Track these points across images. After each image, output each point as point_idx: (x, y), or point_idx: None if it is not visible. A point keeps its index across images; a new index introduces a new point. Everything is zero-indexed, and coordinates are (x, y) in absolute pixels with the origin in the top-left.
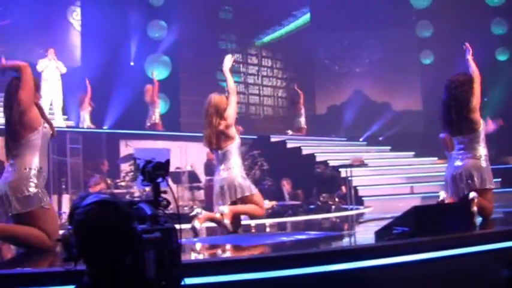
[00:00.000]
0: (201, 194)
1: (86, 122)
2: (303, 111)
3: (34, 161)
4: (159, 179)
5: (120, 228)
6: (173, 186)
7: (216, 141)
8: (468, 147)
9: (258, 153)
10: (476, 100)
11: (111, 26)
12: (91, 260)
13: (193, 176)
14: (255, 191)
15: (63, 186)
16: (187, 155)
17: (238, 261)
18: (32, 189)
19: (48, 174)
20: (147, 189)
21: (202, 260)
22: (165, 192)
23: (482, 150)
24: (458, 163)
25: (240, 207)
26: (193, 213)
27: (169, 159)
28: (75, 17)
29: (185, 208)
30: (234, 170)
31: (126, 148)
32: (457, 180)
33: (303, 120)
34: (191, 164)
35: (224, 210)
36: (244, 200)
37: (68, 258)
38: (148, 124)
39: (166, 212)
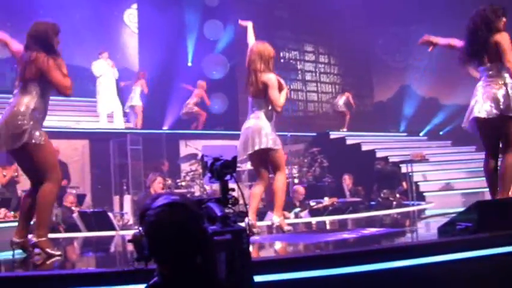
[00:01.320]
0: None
1: (135, 99)
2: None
3: (30, 103)
4: (227, 177)
5: (190, 229)
6: (233, 185)
7: (256, 87)
8: None
9: (318, 150)
10: None
11: (168, 27)
12: (162, 261)
13: (253, 175)
14: (279, 147)
15: (125, 187)
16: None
17: (304, 259)
18: (24, 127)
19: (110, 176)
20: (207, 188)
21: (268, 257)
22: (232, 189)
23: None
24: None
25: (279, 202)
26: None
27: (236, 155)
28: (132, 19)
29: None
30: (262, 120)
31: (185, 148)
32: None
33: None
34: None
35: (275, 220)
36: (266, 153)
37: (140, 258)
38: (184, 111)
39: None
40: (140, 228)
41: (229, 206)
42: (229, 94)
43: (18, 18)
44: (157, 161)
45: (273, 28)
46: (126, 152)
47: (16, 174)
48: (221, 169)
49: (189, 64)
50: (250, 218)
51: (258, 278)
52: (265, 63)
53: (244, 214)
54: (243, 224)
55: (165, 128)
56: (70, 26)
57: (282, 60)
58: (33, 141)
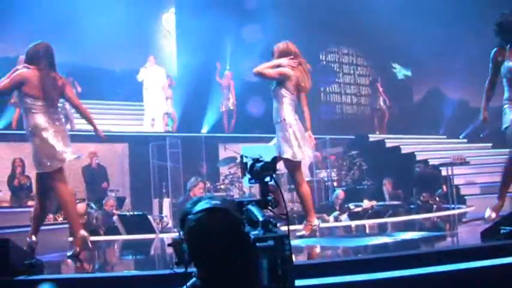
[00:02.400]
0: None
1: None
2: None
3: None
4: (267, 178)
5: (231, 235)
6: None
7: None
8: None
9: (356, 153)
10: None
11: (206, 31)
12: (202, 265)
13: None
14: None
15: (164, 190)
16: None
17: (343, 263)
18: None
19: (150, 179)
20: (246, 191)
21: (308, 262)
22: (272, 191)
23: None
24: None
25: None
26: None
27: (276, 156)
28: (170, 23)
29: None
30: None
31: (224, 151)
32: None
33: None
34: None
35: (315, 222)
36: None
37: (179, 262)
38: (223, 109)
39: (274, 212)
40: (180, 233)
41: (269, 208)
42: (268, 97)
43: (62, 25)
44: (196, 164)
45: (311, 31)
46: (165, 155)
47: None
48: (261, 170)
49: (228, 67)
50: None
51: (297, 283)
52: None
53: (285, 217)
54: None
55: (203, 131)
56: (110, 32)
57: (320, 63)
58: None
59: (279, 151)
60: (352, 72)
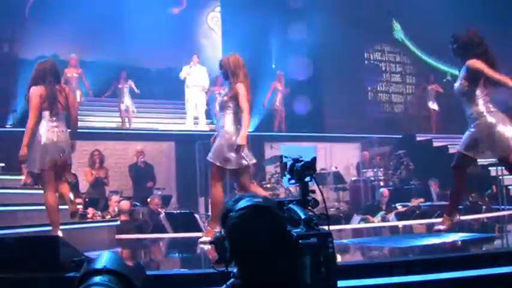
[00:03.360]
0: (346, 195)
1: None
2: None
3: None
4: (308, 178)
5: (274, 232)
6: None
7: None
8: None
9: (403, 152)
10: None
11: (251, 29)
12: (243, 263)
13: (338, 177)
14: None
15: (210, 189)
16: (331, 156)
17: (389, 264)
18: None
19: (196, 177)
20: (292, 190)
21: (353, 262)
22: (313, 191)
23: None
24: None
25: None
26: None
27: (315, 156)
28: (216, 22)
29: (331, 209)
30: None
31: (270, 150)
32: None
33: None
34: (335, 165)
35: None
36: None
37: (221, 260)
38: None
39: (315, 212)
40: (222, 230)
41: (309, 208)
42: (314, 96)
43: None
44: None
45: (356, 29)
46: None
47: (105, 176)
48: (302, 170)
49: (273, 66)
50: None
51: (341, 283)
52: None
53: (326, 216)
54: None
55: (249, 130)
56: (157, 32)
57: (365, 62)
58: None
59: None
60: (399, 70)
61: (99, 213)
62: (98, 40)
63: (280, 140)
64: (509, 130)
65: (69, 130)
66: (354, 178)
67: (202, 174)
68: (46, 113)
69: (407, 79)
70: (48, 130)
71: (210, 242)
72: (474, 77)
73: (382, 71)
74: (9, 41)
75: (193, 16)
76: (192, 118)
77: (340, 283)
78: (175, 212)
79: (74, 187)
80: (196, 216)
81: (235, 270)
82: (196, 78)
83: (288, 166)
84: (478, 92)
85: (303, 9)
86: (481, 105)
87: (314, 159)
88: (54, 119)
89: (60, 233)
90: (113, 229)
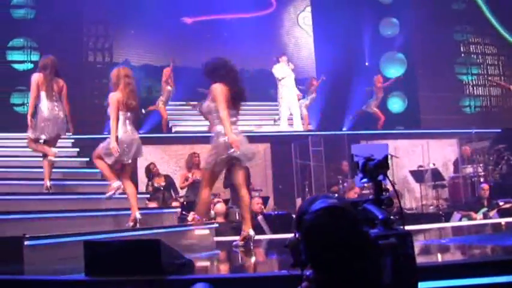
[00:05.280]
0: (445, 192)
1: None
2: None
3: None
4: (380, 177)
5: (350, 233)
6: (416, 185)
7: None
8: None
9: (504, 147)
10: None
11: (342, 27)
12: (319, 266)
13: (436, 174)
14: None
15: (307, 189)
16: (429, 153)
17: (496, 263)
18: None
19: (292, 178)
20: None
21: (439, 262)
22: (387, 190)
23: None
24: None
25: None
26: None
27: (387, 154)
28: (307, 22)
29: (430, 207)
30: None
31: None
32: None
33: None
34: (433, 162)
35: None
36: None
37: (296, 264)
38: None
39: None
40: (296, 234)
41: (384, 207)
42: (409, 92)
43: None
44: (338, 162)
45: (451, 22)
46: (308, 153)
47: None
48: (375, 169)
49: (367, 63)
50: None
51: (423, 285)
52: None
53: (400, 215)
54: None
55: (344, 128)
56: (249, 34)
57: (462, 55)
58: None
59: None
60: (496, 63)
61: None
62: (188, 46)
63: (377, 138)
64: None
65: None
66: (454, 175)
67: (298, 174)
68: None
69: (506, 71)
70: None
71: (285, 246)
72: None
73: (478, 64)
74: (103, 50)
75: (284, 17)
76: (287, 119)
77: (433, 283)
78: (273, 213)
79: (168, 189)
80: (294, 217)
81: (308, 272)
82: (290, 78)
83: (360, 165)
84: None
85: (394, 4)
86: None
87: (386, 157)
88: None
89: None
90: (212, 231)
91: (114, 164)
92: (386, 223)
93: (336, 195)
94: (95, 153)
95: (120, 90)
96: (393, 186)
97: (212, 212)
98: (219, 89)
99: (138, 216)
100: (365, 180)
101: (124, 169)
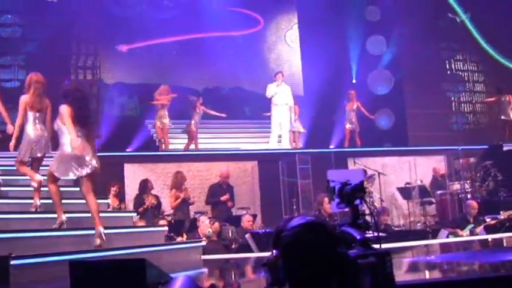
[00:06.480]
0: (432, 209)
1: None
2: None
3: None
4: (358, 201)
5: (329, 250)
6: (403, 202)
7: None
8: None
9: (491, 163)
10: None
11: (330, 44)
12: (297, 283)
13: (423, 191)
14: None
15: (294, 207)
16: (416, 170)
17: (484, 280)
18: None
19: (280, 196)
20: (377, 204)
21: (445, 279)
22: (364, 214)
23: None
24: None
25: None
26: None
27: (363, 180)
28: (294, 40)
29: (418, 224)
30: None
31: (354, 166)
32: None
33: None
34: (421, 179)
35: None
36: None
37: (274, 282)
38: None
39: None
40: (274, 252)
41: (361, 231)
42: (396, 109)
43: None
44: (326, 180)
45: (436, 40)
46: (295, 171)
47: (190, 196)
48: (352, 193)
49: (354, 81)
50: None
51: None
52: None
53: (381, 239)
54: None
55: (331, 146)
56: (234, 53)
57: (448, 72)
58: None
59: None
60: (482, 80)
61: (185, 236)
62: (176, 65)
63: (363, 155)
64: None
65: None
66: (441, 191)
67: (286, 192)
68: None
69: (491, 88)
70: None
71: (263, 264)
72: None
73: (465, 81)
74: (92, 68)
75: (274, 35)
76: (276, 137)
77: None
78: (260, 231)
79: (157, 208)
80: None
81: None
82: (282, 96)
83: (337, 190)
84: None
85: (381, 22)
86: None
87: (362, 182)
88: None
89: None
90: (199, 250)
91: (26, 158)
92: (364, 243)
93: (317, 212)
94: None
95: (29, 94)
96: (370, 210)
97: (210, 231)
98: (65, 110)
99: (102, 231)
100: (342, 205)
101: (81, 183)
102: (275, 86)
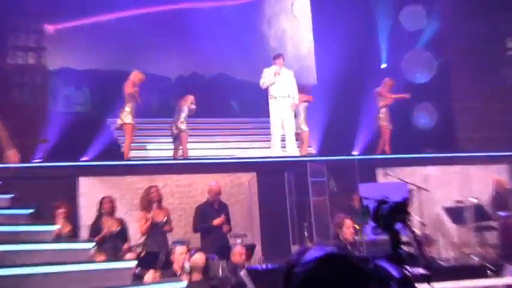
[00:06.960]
0: (493, 237)
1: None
2: None
3: None
4: (398, 225)
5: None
6: (452, 226)
7: None
8: None
9: None
10: None
11: (350, 19)
12: None
13: (480, 212)
14: None
15: (306, 234)
16: (470, 184)
17: None
18: None
19: (287, 218)
20: (417, 231)
21: None
22: (407, 243)
23: None
24: None
25: None
26: None
27: (407, 197)
28: (304, 11)
29: (473, 257)
30: None
31: (385, 178)
32: None
33: None
34: (476, 196)
35: None
36: None
37: None
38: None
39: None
40: None
41: (403, 265)
42: (440, 103)
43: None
44: (347, 197)
45: (493, 10)
46: (307, 185)
47: (166, 220)
48: (390, 215)
49: (383, 66)
50: None
51: None
52: None
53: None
54: None
55: (355, 152)
56: (226, 31)
57: (509, 54)
58: None
59: None
60: None
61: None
62: (143, 45)
63: (397, 164)
64: None
65: None
66: (503, 213)
67: (294, 214)
68: None
69: None
70: None
71: None
72: None
73: None
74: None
75: (272, 5)
76: (279, 140)
77: None
78: (260, 267)
79: (121, 236)
80: None
81: None
82: (282, 86)
83: (372, 210)
84: None
85: None
86: None
87: (406, 200)
88: None
89: None
90: None
91: None
92: (405, 283)
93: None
94: None
95: None
96: (415, 238)
97: (187, 265)
98: None
99: None
100: (379, 230)
101: None
102: (271, 72)
